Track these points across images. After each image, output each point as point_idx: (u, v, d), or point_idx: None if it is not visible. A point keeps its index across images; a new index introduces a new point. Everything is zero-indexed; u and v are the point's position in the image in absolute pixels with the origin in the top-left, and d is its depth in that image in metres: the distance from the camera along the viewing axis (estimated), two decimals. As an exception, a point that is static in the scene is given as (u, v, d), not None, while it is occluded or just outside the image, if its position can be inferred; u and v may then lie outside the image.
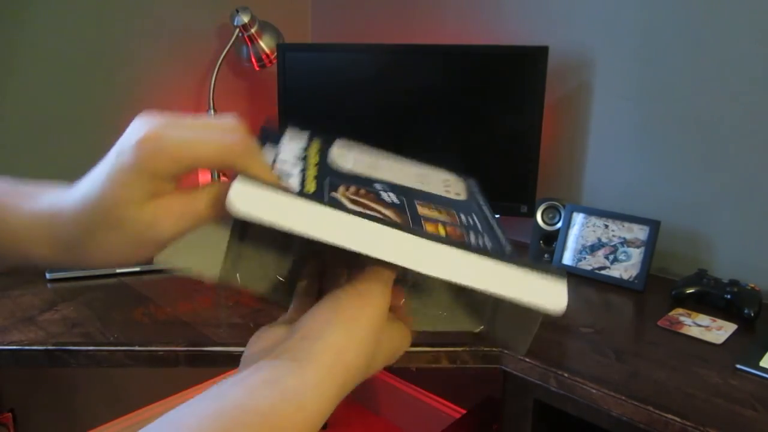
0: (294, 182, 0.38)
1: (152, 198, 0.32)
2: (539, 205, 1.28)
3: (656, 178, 1.24)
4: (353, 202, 0.38)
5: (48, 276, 1.11)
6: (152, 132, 0.31)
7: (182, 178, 0.33)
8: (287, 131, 0.47)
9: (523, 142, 1.28)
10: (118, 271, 1.14)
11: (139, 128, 0.32)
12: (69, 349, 0.87)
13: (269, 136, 0.46)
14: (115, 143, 0.34)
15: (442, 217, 0.41)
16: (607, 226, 1.19)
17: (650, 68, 1.22)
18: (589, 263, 1.19)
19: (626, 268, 1.15)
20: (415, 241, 0.33)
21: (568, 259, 1.22)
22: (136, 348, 0.87)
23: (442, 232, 0.38)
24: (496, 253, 0.35)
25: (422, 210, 0.41)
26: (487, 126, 1.31)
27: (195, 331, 0.92)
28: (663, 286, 1.14)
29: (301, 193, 0.35)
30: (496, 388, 1.12)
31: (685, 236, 1.21)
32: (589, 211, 1.22)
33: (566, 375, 0.83)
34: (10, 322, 0.93)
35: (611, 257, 1.17)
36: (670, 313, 1.03)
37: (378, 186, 0.42)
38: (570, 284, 1.18)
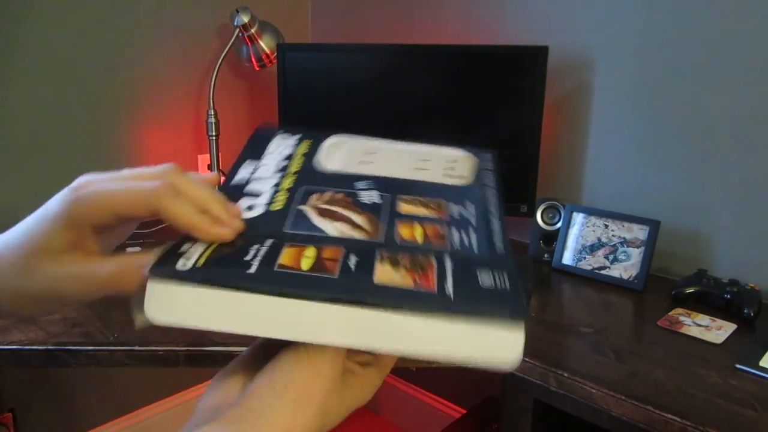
0: (263, 200, 0.38)
1: (69, 250, 0.33)
2: (539, 205, 1.28)
3: (656, 178, 1.24)
4: (323, 212, 0.38)
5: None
6: (81, 181, 0.32)
7: (103, 231, 0.34)
8: (277, 135, 0.46)
9: (523, 142, 1.28)
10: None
11: (73, 181, 0.33)
12: (69, 349, 0.87)
13: (260, 140, 0.45)
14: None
15: (428, 212, 0.39)
16: (606, 226, 1.19)
17: (650, 68, 1.22)
18: (588, 263, 1.19)
19: (626, 267, 1.15)
20: (335, 316, 0.30)
21: (567, 258, 1.22)
22: (136, 348, 0.88)
23: (418, 233, 0.37)
24: (446, 291, 0.31)
25: (405, 207, 0.40)
26: (487, 126, 1.31)
27: (195, 331, 0.92)
28: (663, 285, 1.14)
29: (222, 267, 0.32)
30: (496, 388, 1.12)
31: (685, 236, 1.21)
32: (589, 211, 1.22)
33: (566, 375, 0.83)
34: (10, 322, 0.93)
35: (611, 257, 1.17)
36: (670, 313, 1.03)
37: (360, 185, 0.42)
38: (570, 284, 1.18)
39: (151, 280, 0.30)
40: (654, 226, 1.14)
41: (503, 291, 0.31)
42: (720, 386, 0.80)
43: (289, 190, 0.40)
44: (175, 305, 0.30)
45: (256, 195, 0.39)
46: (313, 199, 0.39)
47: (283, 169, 0.42)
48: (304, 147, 0.45)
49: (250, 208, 0.38)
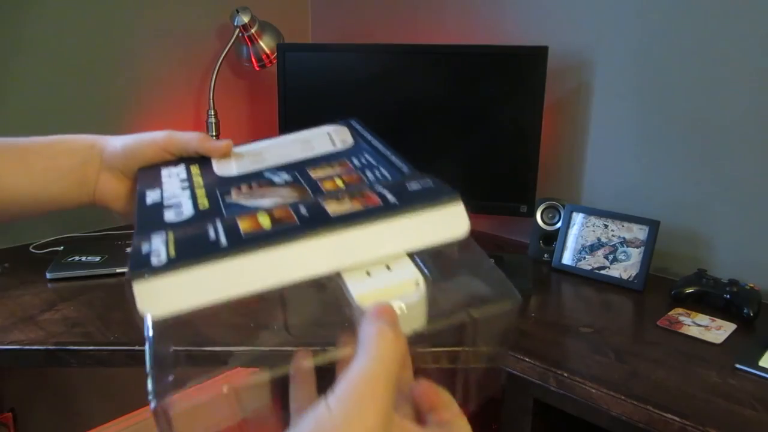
0: (187, 207, 0.39)
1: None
2: (539, 205, 1.28)
3: (656, 178, 1.24)
4: (251, 197, 0.40)
5: (48, 276, 1.11)
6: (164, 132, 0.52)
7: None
8: (162, 168, 0.48)
9: (523, 142, 1.28)
10: (117, 270, 1.14)
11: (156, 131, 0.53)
12: (69, 349, 0.87)
13: (148, 175, 0.47)
14: None
15: (336, 170, 0.43)
16: (606, 226, 1.19)
17: (650, 68, 1.22)
18: (588, 263, 1.20)
19: (626, 267, 1.15)
20: (310, 249, 0.33)
21: (567, 258, 1.22)
22: (136, 348, 0.88)
23: (340, 183, 0.40)
24: (389, 200, 0.36)
25: (316, 173, 0.43)
26: (487, 126, 1.31)
27: (195, 331, 0.92)
28: (662, 285, 1.14)
29: (196, 239, 0.34)
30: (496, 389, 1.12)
31: (685, 236, 1.21)
32: (589, 211, 1.22)
33: (566, 375, 0.83)
34: (10, 322, 0.93)
35: (611, 257, 1.17)
36: (670, 313, 1.03)
37: (267, 174, 0.44)
38: (570, 284, 1.18)
39: (136, 283, 0.30)
40: (654, 226, 1.14)
41: (431, 187, 0.37)
42: (720, 386, 0.80)
43: (206, 195, 0.41)
44: (168, 296, 0.31)
45: (178, 206, 0.40)
46: (234, 194, 0.41)
47: (189, 187, 0.44)
48: (195, 169, 0.48)
49: (178, 214, 0.38)
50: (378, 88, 1.37)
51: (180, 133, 0.49)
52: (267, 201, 0.38)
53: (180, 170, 0.47)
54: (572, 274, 1.20)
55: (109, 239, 1.36)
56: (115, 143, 0.50)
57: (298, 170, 0.44)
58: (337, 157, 0.45)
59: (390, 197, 0.36)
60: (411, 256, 0.34)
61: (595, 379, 0.81)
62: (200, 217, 0.38)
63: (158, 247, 0.33)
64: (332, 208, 0.36)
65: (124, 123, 1.46)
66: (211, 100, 1.49)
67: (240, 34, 1.49)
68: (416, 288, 0.32)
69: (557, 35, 1.32)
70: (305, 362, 0.35)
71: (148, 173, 0.48)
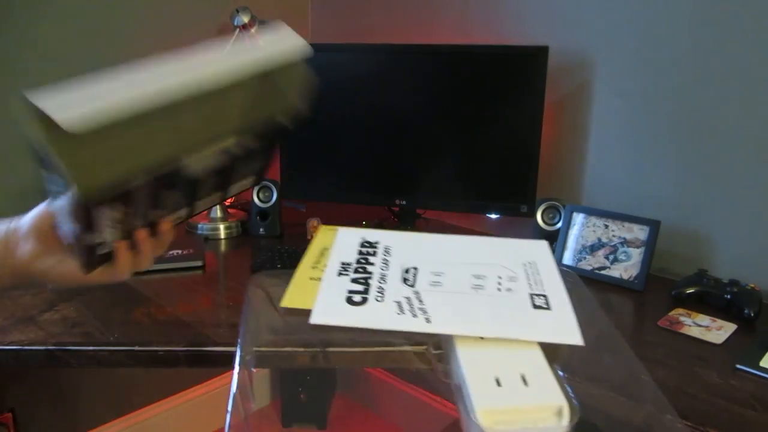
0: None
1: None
2: (539, 205, 1.28)
3: (656, 178, 1.24)
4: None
5: (48, 276, 1.11)
6: None
7: None
8: None
9: (523, 142, 1.28)
10: (118, 271, 1.13)
11: None
12: (69, 349, 0.87)
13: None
14: None
15: None
16: (607, 226, 1.19)
17: (650, 68, 1.22)
18: (589, 263, 1.19)
19: (626, 268, 1.15)
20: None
21: (568, 259, 1.22)
22: (136, 348, 0.87)
23: None
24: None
25: None
26: (487, 126, 1.31)
27: (195, 331, 0.92)
28: (663, 286, 1.14)
29: None
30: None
31: (685, 236, 1.21)
32: (589, 211, 1.22)
33: (566, 375, 0.83)
34: (10, 322, 0.93)
35: (611, 257, 1.17)
36: (670, 313, 1.03)
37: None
38: (570, 284, 1.18)
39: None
40: (654, 226, 1.14)
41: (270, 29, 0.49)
42: (720, 386, 0.80)
43: None
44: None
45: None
46: None
47: None
48: None
49: None
50: (378, 88, 1.37)
51: None
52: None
53: None
54: (572, 274, 1.20)
55: (109, 239, 1.35)
56: (22, 219, 0.58)
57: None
58: None
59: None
60: (556, 372, 0.25)
61: (595, 379, 0.81)
62: None
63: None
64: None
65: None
66: (211, 100, 1.48)
67: (240, 34, 1.49)
68: (558, 418, 0.22)
69: (557, 35, 1.32)
70: None
71: None
